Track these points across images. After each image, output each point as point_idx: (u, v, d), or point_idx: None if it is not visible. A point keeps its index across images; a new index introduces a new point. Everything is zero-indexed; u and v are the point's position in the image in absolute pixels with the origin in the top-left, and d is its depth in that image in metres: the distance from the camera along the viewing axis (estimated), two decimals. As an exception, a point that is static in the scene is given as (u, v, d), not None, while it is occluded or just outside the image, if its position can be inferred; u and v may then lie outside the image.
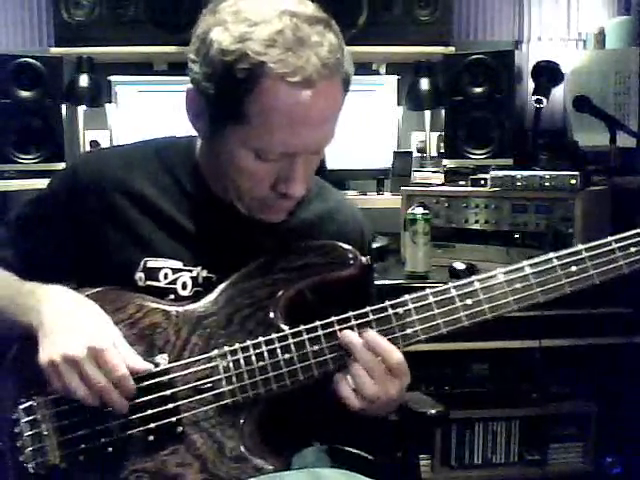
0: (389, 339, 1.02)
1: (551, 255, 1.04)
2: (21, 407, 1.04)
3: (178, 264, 1.10)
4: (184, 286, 1.09)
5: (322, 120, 0.99)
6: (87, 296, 1.07)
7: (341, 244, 1.09)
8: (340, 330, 1.02)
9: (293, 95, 0.94)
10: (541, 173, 2.14)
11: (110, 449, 1.01)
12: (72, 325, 0.99)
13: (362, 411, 1.01)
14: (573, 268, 1.03)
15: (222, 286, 1.08)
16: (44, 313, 1.01)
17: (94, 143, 2.83)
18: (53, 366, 0.97)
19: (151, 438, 1.01)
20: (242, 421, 1.02)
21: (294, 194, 1.03)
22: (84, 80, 2.71)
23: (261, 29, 0.93)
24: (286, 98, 0.94)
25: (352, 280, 1.08)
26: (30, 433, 1.03)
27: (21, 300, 1.06)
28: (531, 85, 2.69)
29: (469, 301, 1.03)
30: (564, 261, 1.04)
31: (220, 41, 0.94)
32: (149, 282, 1.09)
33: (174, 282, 1.09)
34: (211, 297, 1.07)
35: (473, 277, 1.05)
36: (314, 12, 0.97)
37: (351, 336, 1.01)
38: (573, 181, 2.07)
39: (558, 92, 2.81)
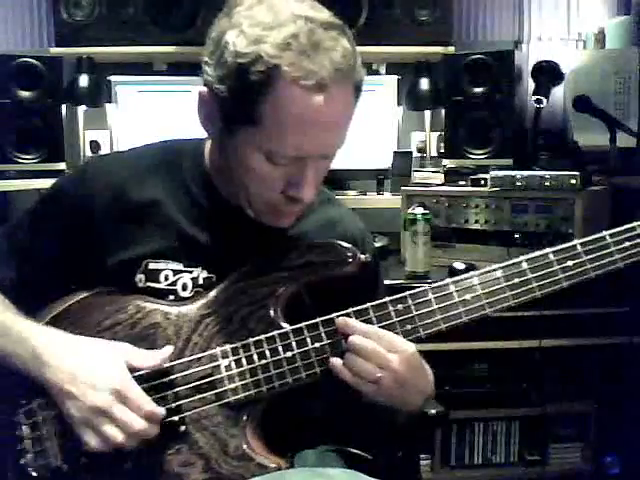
0: None
1: (547, 250, 1.07)
2: (22, 410, 1.04)
3: (179, 266, 1.10)
4: (184, 287, 1.09)
5: (333, 124, 1.00)
6: (87, 297, 1.07)
7: (340, 242, 1.10)
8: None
9: (306, 98, 0.94)
10: (541, 173, 2.14)
11: (112, 450, 1.01)
12: (83, 377, 0.98)
13: (376, 397, 1.01)
14: (569, 263, 1.06)
15: (222, 285, 1.08)
16: (49, 374, 0.99)
17: (94, 143, 2.83)
18: (85, 422, 0.96)
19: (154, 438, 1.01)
20: (245, 419, 1.03)
21: (304, 198, 1.03)
22: (84, 80, 2.71)
23: (276, 33, 0.93)
24: (299, 101, 0.94)
25: (352, 278, 1.08)
26: (31, 436, 1.03)
27: (12, 348, 1.03)
28: (531, 85, 2.69)
29: (468, 296, 1.05)
30: (560, 256, 1.06)
31: (235, 43, 0.95)
32: (149, 283, 1.09)
33: (174, 283, 1.09)
34: (211, 296, 1.08)
35: (471, 273, 1.06)
36: (329, 18, 0.98)
37: (347, 320, 1.03)
38: (573, 181, 2.07)
39: (558, 92, 2.81)
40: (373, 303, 1.04)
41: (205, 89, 1.01)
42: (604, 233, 1.07)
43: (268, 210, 1.06)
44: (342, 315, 1.04)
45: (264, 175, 1.01)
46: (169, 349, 1.03)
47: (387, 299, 1.05)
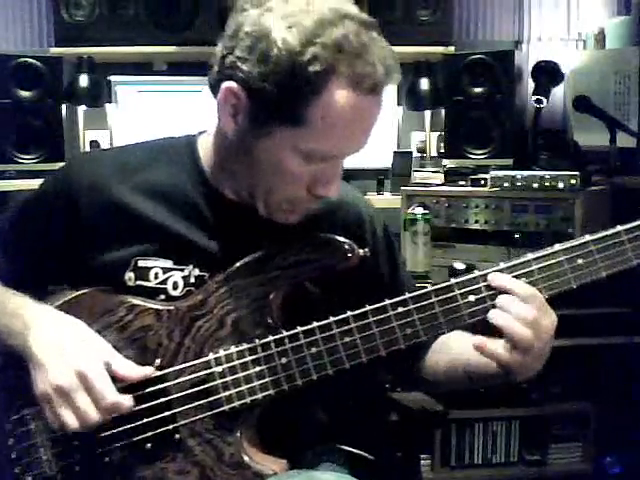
0: (387, 340, 0.99)
1: (557, 247, 1.00)
2: (14, 418, 1.03)
3: (168, 263, 1.06)
4: (175, 286, 1.05)
5: (374, 124, 0.99)
6: (76, 297, 1.05)
7: (336, 237, 1.05)
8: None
9: (359, 100, 0.93)
10: (541, 173, 2.14)
11: (107, 459, 1.00)
12: (60, 352, 0.97)
13: (512, 370, 0.96)
14: (580, 261, 0.99)
15: (215, 284, 1.04)
16: (32, 342, 0.99)
17: (94, 143, 2.83)
18: (47, 398, 0.95)
19: (148, 446, 1.00)
20: (240, 426, 1.01)
21: (330, 195, 1.02)
22: (84, 80, 2.70)
23: (328, 32, 0.91)
24: (352, 103, 0.93)
25: (350, 273, 1.04)
26: (25, 445, 1.02)
27: (6, 321, 1.03)
28: (531, 85, 2.69)
29: (472, 298, 0.99)
30: (571, 255, 0.99)
31: (287, 41, 0.91)
32: (139, 282, 1.06)
33: (164, 282, 1.06)
34: (203, 296, 1.03)
35: (476, 273, 1.00)
36: (363, 15, 0.96)
37: (502, 278, 0.98)
38: (573, 181, 2.07)
39: (558, 92, 2.81)
40: (372, 307, 1.00)
41: (235, 85, 0.96)
42: (619, 228, 0.99)
43: (286, 207, 1.03)
44: (339, 320, 1.00)
45: (294, 174, 0.98)
46: (150, 370, 1.00)
47: (387, 302, 1.00)
